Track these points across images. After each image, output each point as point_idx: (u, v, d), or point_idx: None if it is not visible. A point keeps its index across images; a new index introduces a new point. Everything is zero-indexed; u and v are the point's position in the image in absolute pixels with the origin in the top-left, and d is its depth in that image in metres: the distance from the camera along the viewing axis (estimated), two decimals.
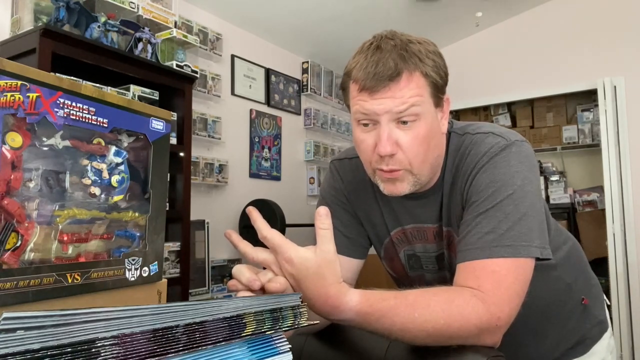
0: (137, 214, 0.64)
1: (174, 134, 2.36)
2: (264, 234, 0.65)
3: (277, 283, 0.64)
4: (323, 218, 0.65)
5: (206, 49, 3.00)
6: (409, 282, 1.01)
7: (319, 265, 0.63)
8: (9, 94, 0.49)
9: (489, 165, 0.80)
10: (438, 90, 0.80)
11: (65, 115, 0.54)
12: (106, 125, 0.59)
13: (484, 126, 0.87)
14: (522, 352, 0.96)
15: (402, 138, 0.78)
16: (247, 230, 2.49)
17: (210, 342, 0.44)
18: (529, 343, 0.97)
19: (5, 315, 0.32)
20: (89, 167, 0.59)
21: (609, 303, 1.12)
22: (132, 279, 0.62)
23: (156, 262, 0.65)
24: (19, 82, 0.50)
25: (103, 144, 0.60)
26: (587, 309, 1.01)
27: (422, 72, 0.77)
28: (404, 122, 0.77)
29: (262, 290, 0.64)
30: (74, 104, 0.55)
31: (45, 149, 0.54)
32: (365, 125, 0.80)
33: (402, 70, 0.76)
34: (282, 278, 0.65)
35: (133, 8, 2.25)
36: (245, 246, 0.67)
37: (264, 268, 0.69)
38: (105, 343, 0.37)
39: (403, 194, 0.83)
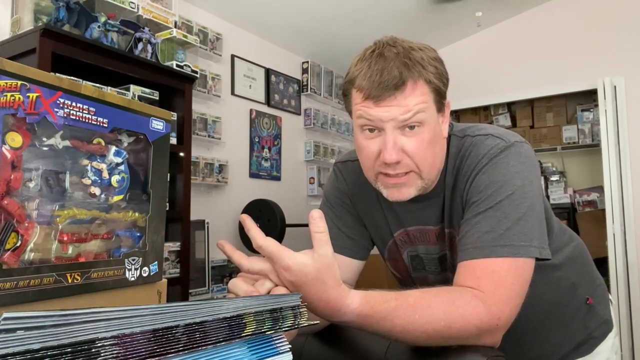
0: (137, 214, 0.64)
1: (174, 134, 2.35)
2: (259, 243, 0.63)
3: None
4: (317, 221, 0.63)
5: (206, 49, 3.00)
6: (412, 283, 1.01)
7: (318, 270, 0.62)
8: (9, 94, 0.49)
9: (488, 166, 0.80)
10: (440, 96, 0.81)
11: (65, 115, 0.54)
12: (106, 125, 0.58)
13: (483, 128, 0.87)
14: (527, 351, 0.96)
15: (408, 145, 0.78)
16: None
17: (210, 342, 0.44)
18: (534, 343, 0.97)
19: (5, 315, 0.32)
20: (89, 167, 0.59)
21: (613, 302, 1.12)
22: (132, 279, 0.61)
23: (156, 262, 0.65)
24: (19, 82, 0.50)
25: (103, 144, 0.60)
26: (592, 308, 1.01)
27: (426, 80, 0.78)
28: (410, 128, 0.78)
29: None
30: (74, 104, 0.55)
31: (45, 149, 0.54)
32: (370, 131, 0.80)
33: (407, 79, 0.76)
34: (282, 288, 0.63)
35: (133, 8, 2.25)
36: (239, 257, 0.65)
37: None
38: (105, 343, 0.37)
39: (407, 199, 0.83)
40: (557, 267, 0.95)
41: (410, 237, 0.96)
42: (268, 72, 3.53)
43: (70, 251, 0.56)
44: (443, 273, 0.95)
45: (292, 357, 0.52)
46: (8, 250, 0.50)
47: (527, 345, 0.96)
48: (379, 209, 0.97)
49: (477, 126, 0.89)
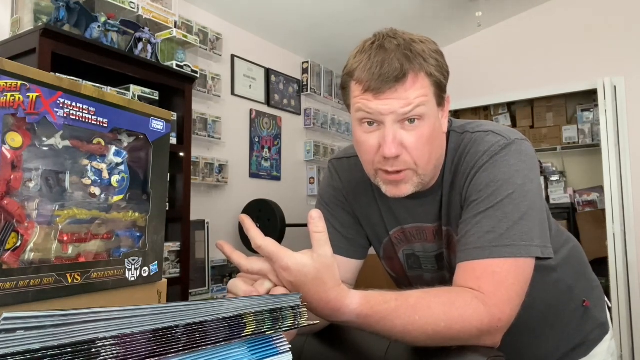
0: (137, 214, 0.64)
1: (174, 134, 2.36)
2: (258, 243, 0.63)
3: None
4: (316, 221, 0.63)
5: (206, 49, 3.00)
6: (408, 282, 1.01)
7: (318, 270, 0.62)
8: (9, 94, 0.49)
9: (489, 164, 0.79)
10: (441, 90, 0.80)
11: (65, 115, 0.54)
12: (106, 125, 0.58)
13: (483, 124, 0.86)
14: (523, 353, 0.96)
15: (407, 139, 0.77)
16: None
17: (210, 342, 0.44)
18: (530, 345, 0.97)
19: (5, 315, 0.32)
20: (89, 167, 0.59)
21: (610, 305, 1.12)
22: (132, 279, 0.61)
23: (156, 262, 0.65)
24: (19, 82, 0.50)
25: (103, 144, 0.60)
26: (588, 311, 1.01)
27: (427, 73, 0.77)
28: (410, 122, 0.77)
29: None
30: (74, 104, 0.55)
31: (45, 149, 0.54)
32: (369, 124, 0.78)
33: (408, 71, 0.75)
34: (281, 288, 0.63)
35: (133, 8, 2.25)
36: (238, 257, 0.65)
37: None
38: (105, 343, 0.37)
39: (405, 196, 0.83)
40: (554, 269, 0.94)
41: (406, 235, 0.95)
42: (268, 72, 3.53)
43: (70, 251, 0.56)
44: (440, 271, 0.94)
45: (292, 357, 0.51)
46: (8, 250, 0.50)
47: (523, 347, 0.95)
48: (375, 206, 0.96)
49: (477, 122, 0.88)
